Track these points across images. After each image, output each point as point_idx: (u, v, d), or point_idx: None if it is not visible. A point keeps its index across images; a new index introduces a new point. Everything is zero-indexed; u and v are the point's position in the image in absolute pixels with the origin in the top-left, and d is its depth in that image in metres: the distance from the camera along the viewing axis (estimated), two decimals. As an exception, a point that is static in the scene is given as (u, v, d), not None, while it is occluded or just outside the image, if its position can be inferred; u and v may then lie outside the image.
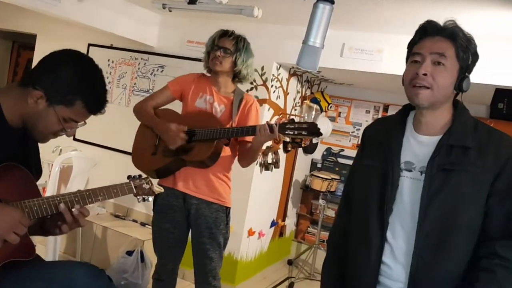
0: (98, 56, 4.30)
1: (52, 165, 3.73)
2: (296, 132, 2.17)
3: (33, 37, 4.79)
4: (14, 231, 1.22)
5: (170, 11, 2.93)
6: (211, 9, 2.77)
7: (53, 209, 1.39)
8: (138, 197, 1.72)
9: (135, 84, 4.13)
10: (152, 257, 3.46)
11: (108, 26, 3.54)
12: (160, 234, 2.45)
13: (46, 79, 1.35)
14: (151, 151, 2.41)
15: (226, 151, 2.38)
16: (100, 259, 3.73)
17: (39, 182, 3.27)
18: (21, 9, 3.55)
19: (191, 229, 2.44)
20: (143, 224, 3.98)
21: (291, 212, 4.79)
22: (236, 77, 2.45)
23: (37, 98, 1.34)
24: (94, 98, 1.42)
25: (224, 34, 2.41)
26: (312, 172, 4.70)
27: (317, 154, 4.92)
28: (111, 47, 4.24)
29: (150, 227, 3.93)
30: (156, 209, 2.44)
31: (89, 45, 4.34)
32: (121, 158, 4.08)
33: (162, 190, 1.82)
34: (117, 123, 4.10)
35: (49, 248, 3.39)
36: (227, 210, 2.43)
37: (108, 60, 4.26)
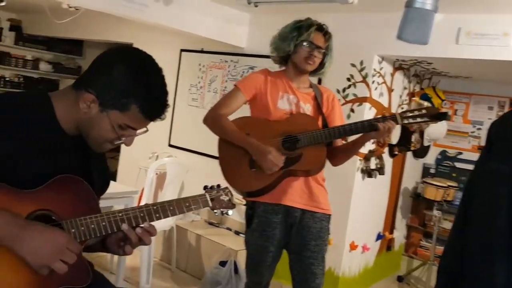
0: (190, 61, 4.25)
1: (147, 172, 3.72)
2: (418, 120, 1.91)
3: (132, 47, 4.92)
4: (61, 259, 1.05)
5: (256, 6, 2.70)
6: (301, -1, 2.48)
7: (114, 228, 1.20)
8: (215, 211, 1.49)
9: (225, 87, 3.99)
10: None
11: (195, 29, 3.45)
12: (258, 254, 2.18)
13: (98, 80, 1.17)
14: (247, 165, 2.05)
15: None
16: (195, 268, 3.63)
17: (131, 189, 3.29)
18: (118, 20, 3.60)
19: (291, 243, 2.16)
20: (237, 233, 3.80)
21: (400, 223, 4.28)
22: (314, 73, 2.18)
23: (90, 102, 1.16)
24: (152, 102, 1.20)
25: (319, 29, 2.10)
26: (424, 179, 4.14)
27: (430, 158, 4.36)
28: (201, 51, 4.15)
29: (244, 235, 3.84)
30: (253, 227, 2.17)
31: (181, 50, 4.31)
32: (215, 164, 3.94)
33: (243, 202, 1.57)
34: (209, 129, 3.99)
35: (143, 254, 3.35)
36: (329, 218, 2.17)
37: (199, 65, 4.18)
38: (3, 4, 3.70)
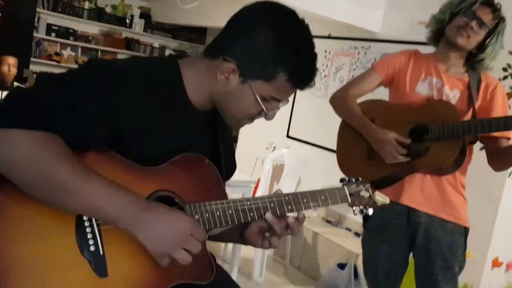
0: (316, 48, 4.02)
1: (264, 162, 3.61)
2: None
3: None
4: (184, 247, 0.89)
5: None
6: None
7: (241, 217, 1.03)
8: (354, 207, 1.26)
9: (353, 76, 3.68)
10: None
11: (327, 11, 3.20)
12: (376, 259, 1.92)
13: (238, 46, 0.98)
14: (364, 154, 1.87)
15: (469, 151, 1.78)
16: (310, 267, 3.42)
17: (248, 178, 3.18)
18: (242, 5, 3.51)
19: (416, 255, 1.86)
20: (357, 234, 3.51)
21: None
22: (471, 62, 1.79)
23: (229, 73, 0.99)
24: (301, 68, 1.01)
25: (487, 3, 1.73)
26: None
27: None
28: (329, 37, 3.90)
29: (362, 234, 3.54)
30: (369, 227, 1.91)
31: (306, 36, 4.11)
32: (335, 159, 3.68)
33: (388, 201, 1.31)
34: (331, 120, 3.72)
35: (257, 249, 3.24)
36: (466, 231, 1.80)
37: (325, 52, 3.92)
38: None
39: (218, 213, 1.00)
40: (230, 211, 1.01)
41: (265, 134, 4.32)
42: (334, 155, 3.82)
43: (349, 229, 3.59)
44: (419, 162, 1.73)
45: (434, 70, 1.81)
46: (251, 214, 1.04)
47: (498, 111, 1.76)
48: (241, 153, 4.80)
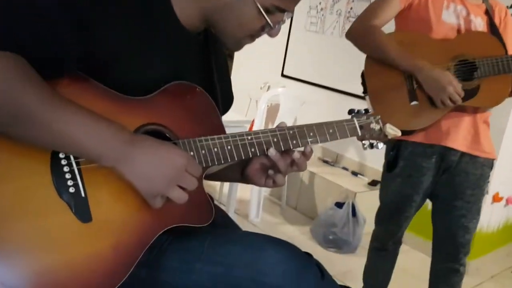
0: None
1: (259, 102, 3.47)
2: None
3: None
4: (178, 184, 0.78)
5: None
6: None
7: (241, 154, 0.92)
8: (364, 142, 1.16)
9: (351, 9, 3.47)
10: (365, 212, 2.94)
11: None
12: (399, 202, 1.82)
13: None
14: (405, 96, 1.62)
15: None
16: (307, 207, 3.39)
17: (242, 118, 3.06)
18: None
19: (440, 190, 1.77)
20: (354, 174, 3.46)
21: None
22: None
23: None
24: None
25: None
26: None
27: None
28: (325, -34, 3.64)
29: (363, 177, 3.50)
30: (396, 172, 1.78)
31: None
32: (333, 97, 3.57)
33: (399, 133, 1.20)
34: (329, 57, 3.57)
35: (254, 187, 3.18)
36: (492, 163, 1.74)
37: (321, -18, 3.68)
38: None
39: (215, 149, 0.88)
40: (229, 147, 0.90)
41: (259, 73, 4.16)
42: (332, 94, 3.71)
43: (346, 169, 3.53)
44: (470, 102, 1.59)
45: None
46: (253, 150, 0.93)
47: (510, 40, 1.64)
48: (234, 92, 4.65)
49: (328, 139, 1.04)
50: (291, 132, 0.98)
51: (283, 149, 0.96)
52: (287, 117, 3.52)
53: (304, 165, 0.97)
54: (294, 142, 0.98)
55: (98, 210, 0.75)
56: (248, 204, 3.23)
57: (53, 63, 0.72)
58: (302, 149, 0.97)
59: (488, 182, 1.75)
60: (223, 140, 0.89)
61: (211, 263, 0.81)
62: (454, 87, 1.53)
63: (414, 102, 1.61)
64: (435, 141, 1.66)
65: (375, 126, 1.16)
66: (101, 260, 0.74)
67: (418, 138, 1.67)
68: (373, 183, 3.29)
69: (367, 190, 3.20)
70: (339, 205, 3.02)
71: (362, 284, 2.06)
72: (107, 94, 0.80)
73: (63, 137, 0.70)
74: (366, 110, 1.18)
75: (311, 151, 0.98)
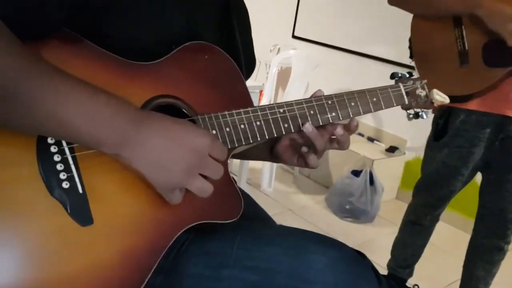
0: None
1: (270, 66, 3.28)
2: None
3: None
4: (200, 173, 0.62)
5: None
6: None
7: (273, 131, 0.75)
8: (409, 111, 1.00)
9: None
10: (382, 180, 2.80)
11: None
12: (445, 175, 1.67)
13: None
14: (455, 58, 1.45)
15: None
16: (321, 175, 3.25)
17: (253, 83, 2.86)
18: None
19: (492, 161, 1.60)
20: (371, 140, 3.30)
21: None
22: None
23: None
24: None
25: None
26: None
27: None
28: None
29: (379, 143, 3.33)
30: (443, 141, 1.62)
31: None
32: (349, 59, 3.34)
33: (447, 100, 1.04)
34: (344, 16, 3.33)
35: (267, 159, 3.03)
36: None
37: None
38: None
39: (242, 126, 0.71)
40: (258, 123, 0.73)
41: (268, 34, 3.92)
42: (348, 55, 3.48)
43: (361, 135, 3.37)
44: None
45: None
46: (286, 126, 0.76)
47: None
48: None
49: (372, 110, 0.87)
50: (329, 102, 0.81)
51: (321, 123, 0.80)
52: (300, 81, 3.33)
53: (347, 142, 0.81)
54: (333, 114, 0.82)
55: (100, 210, 0.59)
56: (260, 173, 3.09)
57: (34, 20, 0.55)
58: (345, 122, 0.81)
59: None
60: (251, 114, 0.73)
61: (243, 268, 0.65)
62: None
63: (465, 65, 1.42)
64: (492, 109, 1.48)
65: (421, 92, 0.99)
66: (107, 271, 0.58)
67: (472, 105, 1.50)
68: (390, 150, 3.13)
69: (384, 157, 3.05)
70: (356, 173, 2.88)
71: (380, 254, 1.93)
72: (105, 59, 0.63)
73: (51, 118, 0.53)
74: (410, 74, 1.01)
75: (357, 125, 0.82)
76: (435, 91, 1.02)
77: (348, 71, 3.34)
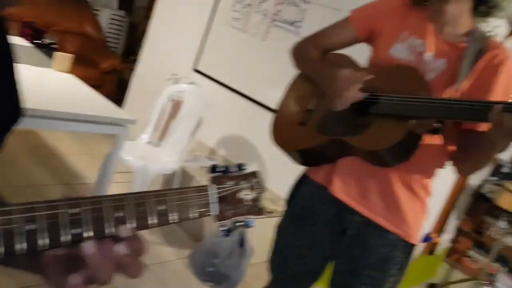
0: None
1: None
2: None
3: None
4: None
5: None
6: None
7: None
8: (222, 223, 0.76)
9: (279, 11, 3.07)
10: (254, 240, 2.57)
11: None
12: (287, 251, 1.48)
13: None
14: (299, 119, 1.42)
15: (433, 143, 1.26)
16: (191, 226, 2.93)
17: (123, 116, 2.50)
18: None
19: (338, 258, 1.41)
20: (252, 195, 3.08)
21: (450, 224, 3.49)
22: (480, 7, 1.26)
23: None
24: None
25: None
26: (499, 181, 3.29)
27: (506, 153, 3.47)
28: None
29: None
30: (289, 211, 1.47)
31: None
32: (241, 103, 3.14)
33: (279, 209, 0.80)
34: (246, 59, 3.14)
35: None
36: (410, 248, 1.34)
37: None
38: None
39: None
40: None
41: (169, 62, 3.64)
42: (241, 99, 3.30)
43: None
44: (353, 140, 1.24)
45: (421, 29, 1.29)
46: None
47: (496, 91, 1.21)
48: (138, 81, 4.06)
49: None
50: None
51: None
52: (190, 119, 3.06)
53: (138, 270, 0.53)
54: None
55: None
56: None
57: None
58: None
59: (403, 270, 1.35)
60: None
61: None
62: (350, 77, 1.27)
63: (303, 124, 1.40)
64: (331, 186, 1.35)
65: (248, 195, 0.76)
66: None
67: (318, 176, 1.39)
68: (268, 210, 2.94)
69: (259, 217, 2.84)
70: (229, 230, 2.62)
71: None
72: None
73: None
74: (240, 165, 0.77)
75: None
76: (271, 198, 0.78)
77: (242, 115, 3.14)
